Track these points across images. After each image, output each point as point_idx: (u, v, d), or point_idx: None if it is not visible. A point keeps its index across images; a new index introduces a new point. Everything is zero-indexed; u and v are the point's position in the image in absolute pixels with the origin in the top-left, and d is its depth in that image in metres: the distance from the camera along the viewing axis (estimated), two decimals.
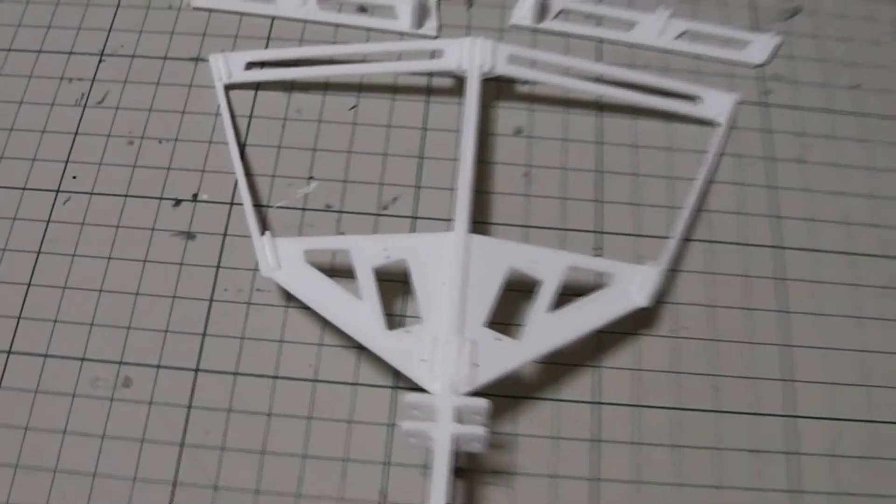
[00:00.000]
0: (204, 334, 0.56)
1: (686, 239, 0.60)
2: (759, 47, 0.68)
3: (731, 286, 0.59)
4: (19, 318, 0.57)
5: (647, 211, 0.61)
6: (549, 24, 0.68)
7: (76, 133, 0.63)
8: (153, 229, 0.60)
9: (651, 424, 0.54)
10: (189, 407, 0.54)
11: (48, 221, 0.60)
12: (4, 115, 0.64)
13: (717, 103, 0.65)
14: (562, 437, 0.54)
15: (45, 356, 0.56)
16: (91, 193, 0.61)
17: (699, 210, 0.61)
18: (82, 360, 0.56)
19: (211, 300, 0.57)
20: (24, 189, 0.61)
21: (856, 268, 0.60)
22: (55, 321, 0.57)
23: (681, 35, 0.68)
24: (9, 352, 0.56)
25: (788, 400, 0.55)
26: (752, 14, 0.70)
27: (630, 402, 0.55)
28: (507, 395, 0.55)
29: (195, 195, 0.61)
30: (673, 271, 0.59)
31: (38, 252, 0.59)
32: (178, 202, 0.60)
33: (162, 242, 0.59)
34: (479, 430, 0.48)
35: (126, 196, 0.61)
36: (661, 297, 0.58)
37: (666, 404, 0.55)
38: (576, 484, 0.53)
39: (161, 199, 0.61)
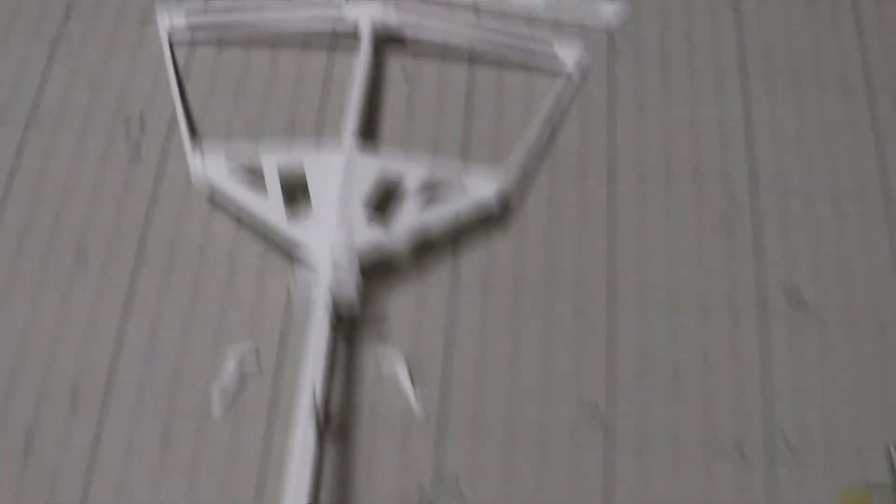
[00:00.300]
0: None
1: (534, 162, 0.75)
2: (611, 7, 0.82)
3: (568, 206, 0.74)
4: None
5: (507, 142, 0.76)
6: None
7: None
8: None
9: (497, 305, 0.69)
10: None
11: None
12: None
13: (566, 53, 0.79)
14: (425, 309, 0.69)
15: None
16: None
17: (548, 141, 0.76)
18: None
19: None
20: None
21: (672, 192, 0.75)
22: None
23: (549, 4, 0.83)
24: None
25: (612, 281, 0.70)
26: None
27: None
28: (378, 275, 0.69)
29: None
30: (520, 193, 0.74)
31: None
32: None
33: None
34: (353, 279, 0.62)
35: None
36: (509, 208, 0.73)
37: (509, 294, 0.70)
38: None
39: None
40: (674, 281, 0.72)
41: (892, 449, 0.67)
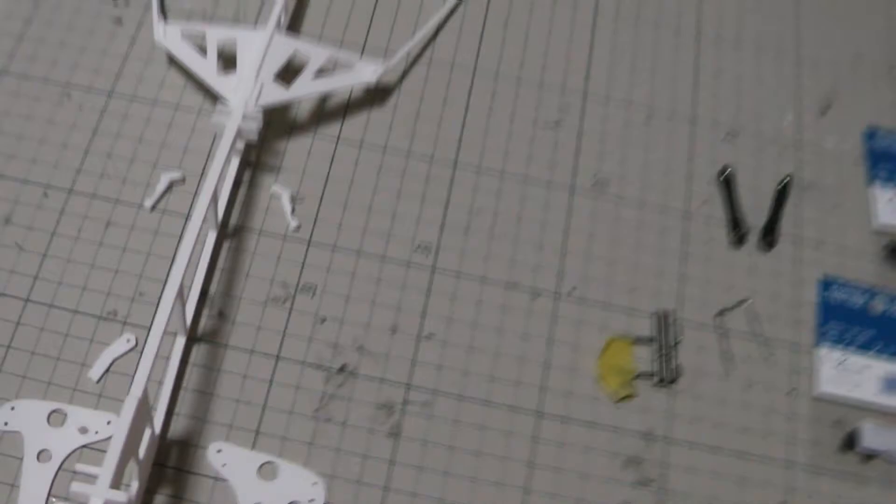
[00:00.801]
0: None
1: (415, 56, 0.98)
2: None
3: (435, 91, 0.98)
4: None
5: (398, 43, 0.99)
6: None
7: None
8: None
9: (367, 159, 0.93)
10: None
11: None
12: None
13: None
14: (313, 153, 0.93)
15: None
16: None
17: (428, 43, 1.00)
18: None
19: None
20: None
21: (519, 93, 0.99)
22: None
23: None
24: None
25: (458, 151, 0.94)
26: None
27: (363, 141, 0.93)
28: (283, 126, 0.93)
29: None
30: (400, 78, 0.97)
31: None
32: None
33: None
34: (256, 122, 0.85)
35: None
36: (388, 88, 0.96)
37: (378, 152, 0.94)
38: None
39: None
40: (506, 158, 0.93)
41: (659, 313, 0.89)
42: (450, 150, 0.93)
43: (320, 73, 0.90)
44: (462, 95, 0.96)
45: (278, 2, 0.92)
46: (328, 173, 0.91)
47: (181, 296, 0.73)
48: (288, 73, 0.90)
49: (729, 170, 0.94)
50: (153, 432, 0.73)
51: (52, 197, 0.87)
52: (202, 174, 0.88)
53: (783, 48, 1.04)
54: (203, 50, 0.90)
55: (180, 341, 0.79)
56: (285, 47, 0.90)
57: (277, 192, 0.87)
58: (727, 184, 0.93)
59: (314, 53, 0.91)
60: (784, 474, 0.82)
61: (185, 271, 0.73)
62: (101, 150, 0.90)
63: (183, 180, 0.88)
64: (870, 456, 0.83)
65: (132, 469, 0.70)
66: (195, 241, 0.74)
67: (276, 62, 0.89)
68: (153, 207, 0.86)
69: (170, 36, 0.92)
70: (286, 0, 0.93)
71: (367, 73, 0.92)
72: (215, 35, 0.91)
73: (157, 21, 0.93)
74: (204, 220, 0.75)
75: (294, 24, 0.97)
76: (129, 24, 0.96)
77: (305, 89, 0.89)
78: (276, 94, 0.87)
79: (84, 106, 0.92)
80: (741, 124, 0.98)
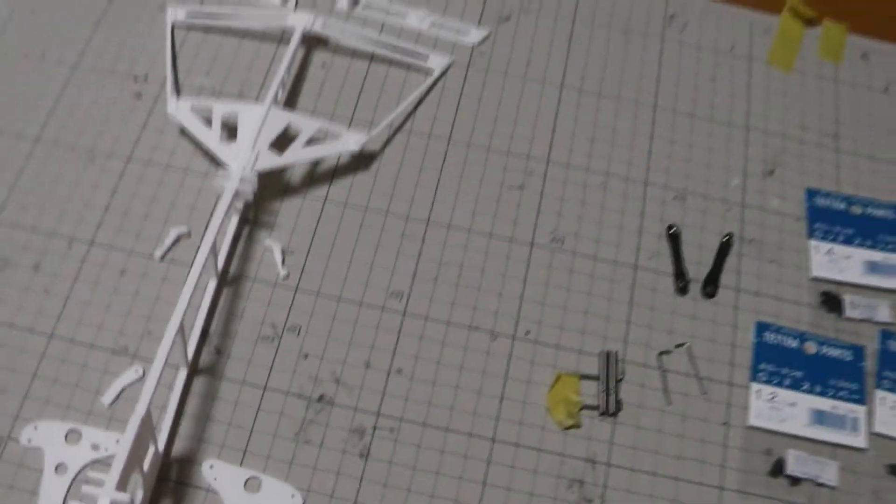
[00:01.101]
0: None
1: (397, 128, 1.10)
2: (476, 35, 1.20)
3: (413, 158, 1.10)
4: None
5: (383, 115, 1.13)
6: (358, 10, 1.22)
7: None
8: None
9: (350, 218, 1.05)
10: None
11: None
12: None
13: (437, 61, 1.16)
14: (303, 212, 1.05)
15: None
16: None
17: (409, 116, 1.12)
18: None
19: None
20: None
21: (489, 159, 1.11)
22: None
23: (431, 24, 1.21)
24: None
25: (432, 212, 1.07)
26: (479, 17, 1.21)
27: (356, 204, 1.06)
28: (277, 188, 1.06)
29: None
30: (382, 147, 1.10)
31: None
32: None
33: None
34: (251, 185, 0.97)
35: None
36: (372, 156, 1.09)
37: (360, 212, 1.07)
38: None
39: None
40: (473, 217, 1.05)
41: (605, 353, 1.01)
42: (424, 210, 1.05)
43: (311, 142, 1.03)
44: (437, 162, 1.09)
45: (276, 80, 1.05)
46: (315, 229, 1.03)
47: (182, 333, 0.86)
48: (283, 141, 1.02)
49: (675, 227, 1.05)
50: (157, 450, 0.85)
51: (74, 248, 1.00)
52: (205, 229, 1.00)
53: (734, 120, 1.15)
54: (209, 122, 1.03)
55: (182, 372, 0.91)
56: (280, 119, 1.03)
57: (270, 245, 1.00)
58: (673, 239, 1.04)
59: (306, 125, 1.04)
60: (716, 495, 0.92)
61: (186, 313, 0.85)
62: (118, 207, 1.03)
63: (189, 234, 1.01)
64: (796, 481, 0.93)
65: (137, 481, 0.82)
66: (195, 287, 0.86)
67: (272, 133, 1.02)
68: (162, 258, 0.99)
69: (181, 109, 1.05)
70: (283, 78, 1.06)
71: (352, 142, 1.05)
72: (220, 109, 1.04)
73: (171, 96, 1.06)
74: (204, 269, 0.88)
75: (291, 100, 1.11)
76: (147, 99, 1.10)
77: (297, 156, 1.02)
78: (271, 161, 1.00)
79: (105, 169, 1.05)
80: (691, 187, 1.09)
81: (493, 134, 1.11)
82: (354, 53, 1.16)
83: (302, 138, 1.03)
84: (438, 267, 1.02)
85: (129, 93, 1.10)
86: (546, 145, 1.11)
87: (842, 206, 1.09)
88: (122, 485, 0.75)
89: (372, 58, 1.15)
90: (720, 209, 1.08)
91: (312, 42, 1.15)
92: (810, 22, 1.23)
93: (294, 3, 1.18)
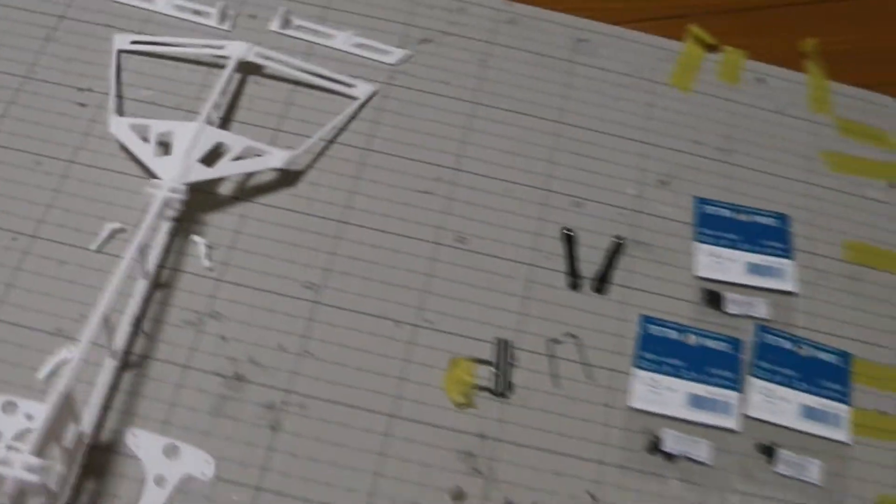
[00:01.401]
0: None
1: (321, 147, 1.21)
2: (397, 55, 1.32)
3: (337, 173, 1.20)
4: None
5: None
6: (290, 31, 1.34)
7: None
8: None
9: (276, 220, 1.16)
10: None
11: None
12: None
13: (362, 89, 1.26)
14: (226, 219, 1.17)
15: None
16: None
17: (334, 136, 1.23)
18: None
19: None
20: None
21: (402, 164, 1.22)
22: None
23: (356, 45, 1.33)
24: None
25: (347, 214, 1.18)
26: (401, 39, 1.33)
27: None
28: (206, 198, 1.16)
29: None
30: (309, 164, 1.21)
31: None
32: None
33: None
34: (180, 195, 1.07)
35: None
36: (298, 172, 1.19)
37: (281, 216, 1.19)
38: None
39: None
40: (386, 219, 1.15)
41: (499, 340, 1.11)
42: (339, 212, 1.16)
43: (239, 158, 1.13)
44: (354, 169, 1.20)
45: (209, 101, 1.16)
46: (239, 228, 1.14)
47: (108, 318, 0.95)
48: (214, 156, 1.12)
49: (570, 230, 1.16)
50: (78, 427, 0.93)
51: (19, 241, 1.10)
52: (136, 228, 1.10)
53: (633, 135, 1.26)
54: (147, 139, 1.13)
55: (112, 355, 1.01)
56: (211, 137, 1.13)
57: (197, 241, 1.10)
58: (568, 240, 1.15)
59: (235, 142, 1.14)
60: (596, 469, 1.02)
61: (119, 300, 0.97)
62: (60, 205, 1.12)
63: (123, 230, 1.11)
64: (671, 457, 1.03)
65: (59, 456, 0.90)
66: (123, 277, 0.96)
67: (203, 149, 1.11)
68: (98, 250, 1.09)
69: (121, 127, 1.14)
70: (216, 100, 1.17)
71: (276, 159, 1.14)
72: (156, 127, 1.14)
73: (112, 115, 1.16)
74: (135, 264, 0.99)
75: (227, 118, 1.22)
76: (91, 108, 1.20)
77: (225, 170, 1.12)
78: (201, 174, 1.10)
79: (49, 171, 1.15)
80: (590, 195, 1.19)
81: (408, 145, 1.21)
82: (285, 78, 1.25)
83: (230, 154, 1.12)
84: (351, 262, 1.11)
85: (73, 103, 1.20)
86: (456, 156, 1.21)
87: (728, 213, 1.19)
88: (38, 449, 0.83)
89: (300, 83, 1.25)
90: (614, 215, 1.18)
91: (249, 66, 1.25)
92: (712, 48, 1.33)
93: (231, 24, 1.29)
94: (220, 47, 1.24)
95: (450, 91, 1.27)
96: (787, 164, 1.26)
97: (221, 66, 1.23)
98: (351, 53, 1.29)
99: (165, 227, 1.09)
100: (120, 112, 1.19)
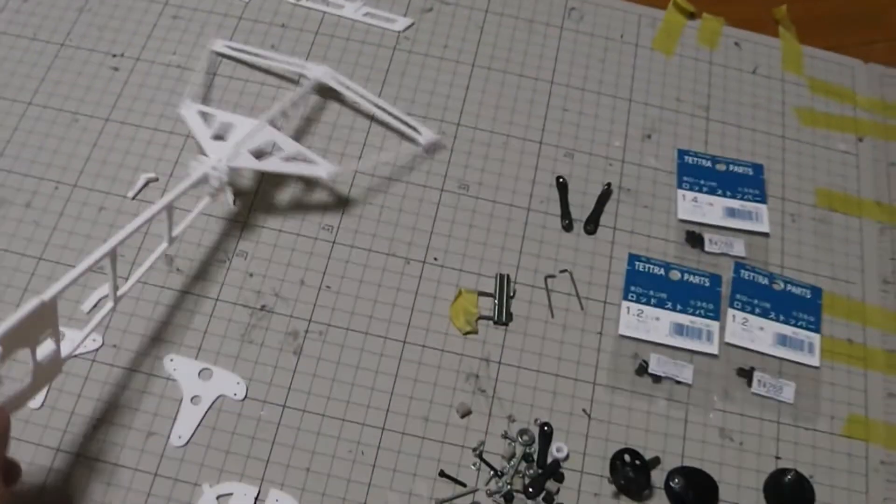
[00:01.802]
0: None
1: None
2: (402, 23, 1.43)
3: (344, 125, 1.29)
4: None
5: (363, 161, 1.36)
6: (303, 2, 1.44)
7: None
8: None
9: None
10: None
11: None
12: None
13: (426, 135, 1.29)
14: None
15: None
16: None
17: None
18: None
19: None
20: None
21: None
22: None
23: (365, 14, 1.44)
24: None
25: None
26: (406, 8, 1.41)
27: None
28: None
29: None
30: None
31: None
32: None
33: None
34: (222, 171, 1.15)
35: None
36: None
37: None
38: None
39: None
40: (393, 169, 1.26)
41: (499, 275, 1.23)
42: (353, 163, 1.26)
43: (288, 160, 1.12)
44: (364, 124, 1.30)
45: (276, 106, 1.22)
46: (262, 176, 1.24)
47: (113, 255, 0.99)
48: (267, 155, 1.18)
49: (563, 178, 1.27)
50: (58, 344, 0.88)
51: (60, 190, 1.19)
52: (171, 175, 1.21)
53: (619, 94, 1.35)
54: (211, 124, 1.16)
55: (154, 285, 1.11)
56: (266, 134, 1.19)
57: (228, 195, 1.20)
58: (561, 187, 1.26)
59: (287, 144, 1.19)
60: (589, 389, 1.12)
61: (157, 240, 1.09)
62: (98, 158, 1.22)
63: (157, 179, 1.21)
64: (657, 379, 1.13)
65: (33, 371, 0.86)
66: (150, 218, 1.02)
67: (256, 142, 1.17)
68: (134, 197, 1.19)
69: (190, 111, 1.20)
70: (285, 106, 1.22)
71: (323, 170, 1.18)
72: (221, 117, 1.19)
73: (185, 99, 1.22)
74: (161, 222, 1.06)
75: (298, 136, 1.23)
76: (123, 72, 1.30)
77: (270, 166, 1.17)
78: (246, 162, 1.14)
79: (86, 128, 1.24)
80: (579, 147, 1.29)
81: (413, 102, 1.30)
82: (357, 108, 1.28)
83: (281, 154, 1.18)
84: (363, 207, 1.21)
85: (107, 66, 1.30)
86: (458, 112, 1.30)
87: (707, 163, 1.29)
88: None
89: (372, 118, 1.27)
90: (603, 164, 1.28)
91: (326, 91, 1.26)
92: (692, 15, 1.44)
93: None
94: (302, 66, 1.26)
95: (450, 54, 1.36)
96: (761, 119, 1.35)
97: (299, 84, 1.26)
98: (360, 21, 1.37)
99: (202, 204, 1.14)
100: (194, 100, 1.25)
